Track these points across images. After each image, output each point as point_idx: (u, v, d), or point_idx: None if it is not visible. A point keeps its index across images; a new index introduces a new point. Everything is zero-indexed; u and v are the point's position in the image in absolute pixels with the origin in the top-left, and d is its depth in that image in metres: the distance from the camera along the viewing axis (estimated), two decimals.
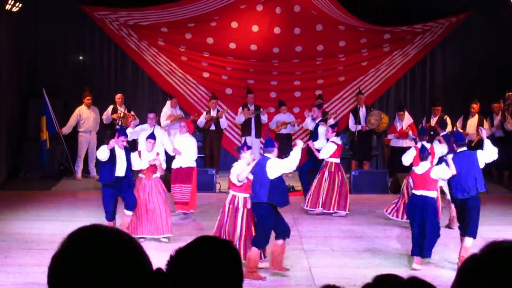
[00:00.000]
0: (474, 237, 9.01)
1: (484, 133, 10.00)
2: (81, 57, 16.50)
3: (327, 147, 12.12)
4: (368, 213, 12.47)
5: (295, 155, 8.84)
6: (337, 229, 11.32)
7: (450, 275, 8.22)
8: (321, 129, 12.99)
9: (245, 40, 15.98)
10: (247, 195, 8.97)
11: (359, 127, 15.14)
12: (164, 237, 10.21)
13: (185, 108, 15.94)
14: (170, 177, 12.01)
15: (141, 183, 10.27)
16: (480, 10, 15.87)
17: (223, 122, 15.42)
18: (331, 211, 12.12)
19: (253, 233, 8.89)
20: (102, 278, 1.73)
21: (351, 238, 10.74)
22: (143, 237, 10.06)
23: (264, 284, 8.61)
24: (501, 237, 1.82)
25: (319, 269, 9.14)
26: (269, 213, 8.67)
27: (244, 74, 16.40)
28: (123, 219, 10.25)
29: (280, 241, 8.77)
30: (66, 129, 15.07)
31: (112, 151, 10.13)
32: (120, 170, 10.21)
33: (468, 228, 9.08)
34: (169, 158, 12.20)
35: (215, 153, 15.43)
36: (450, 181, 9.35)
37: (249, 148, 9.18)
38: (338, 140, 12.30)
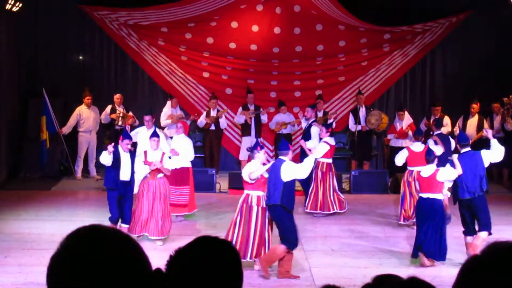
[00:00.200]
0: (490, 230, 9.22)
1: (490, 133, 10.08)
2: (81, 57, 16.50)
3: (319, 147, 12.07)
4: (368, 213, 12.47)
5: (310, 162, 8.89)
6: (337, 229, 11.32)
7: (450, 275, 8.22)
8: (314, 129, 12.97)
9: (245, 40, 15.98)
10: (260, 193, 8.97)
11: (359, 127, 15.14)
12: (159, 239, 10.14)
13: (185, 108, 15.94)
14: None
15: (146, 183, 10.21)
16: (480, 10, 15.88)
17: (223, 122, 15.42)
18: (331, 212, 12.10)
19: (267, 232, 8.89)
20: (102, 278, 1.73)
21: (351, 238, 10.74)
22: (141, 235, 10.05)
23: (264, 284, 8.61)
24: (502, 237, 1.83)
25: (319, 269, 9.14)
26: (285, 214, 8.73)
27: (244, 74, 16.40)
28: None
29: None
30: (66, 129, 15.07)
31: (117, 155, 10.05)
32: (124, 174, 10.12)
33: (486, 224, 9.26)
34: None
35: (215, 153, 15.43)
36: (455, 182, 9.39)
37: (262, 147, 9.20)
38: (331, 141, 12.29)
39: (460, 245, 9.59)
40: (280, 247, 8.66)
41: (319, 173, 12.10)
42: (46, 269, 1.79)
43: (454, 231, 9.97)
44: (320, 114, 15.16)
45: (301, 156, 13.19)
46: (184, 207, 11.59)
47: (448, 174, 9.28)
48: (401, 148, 14.02)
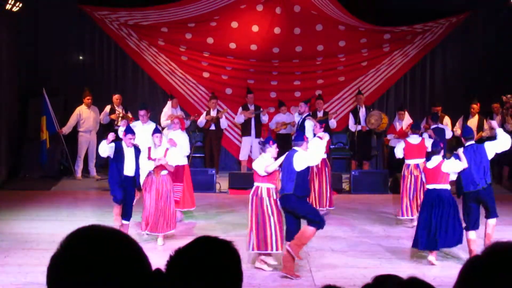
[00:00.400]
0: (497, 215, 9.57)
1: (494, 123, 10.34)
2: (81, 57, 16.51)
3: (313, 142, 12.00)
4: (368, 213, 12.47)
5: (320, 147, 8.98)
6: (337, 229, 11.31)
7: (450, 275, 8.22)
8: (308, 123, 12.97)
9: (245, 40, 15.98)
10: (270, 186, 8.97)
11: (359, 127, 15.15)
12: (163, 235, 10.15)
13: (185, 108, 15.94)
14: None
15: (150, 180, 10.17)
16: (480, 10, 15.88)
17: (223, 122, 15.42)
18: (323, 209, 12.04)
19: (282, 222, 8.91)
20: (101, 279, 1.73)
21: (351, 238, 10.73)
22: (146, 233, 10.05)
23: (263, 284, 8.61)
24: (502, 237, 1.83)
25: (319, 269, 9.14)
26: (298, 200, 8.77)
27: (244, 74, 16.40)
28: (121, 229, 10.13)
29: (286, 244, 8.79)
30: (66, 129, 15.08)
31: (119, 149, 10.02)
32: (128, 169, 10.09)
33: (490, 211, 9.52)
34: None
35: (215, 153, 15.43)
36: (460, 175, 9.48)
37: (274, 142, 9.23)
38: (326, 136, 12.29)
39: (460, 245, 9.59)
40: (309, 228, 8.71)
41: (315, 169, 12.09)
42: (46, 269, 1.79)
43: None
44: (320, 114, 15.16)
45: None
46: (176, 204, 11.54)
47: (454, 166, 9.37)
48: None
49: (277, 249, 8.91)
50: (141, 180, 10.36)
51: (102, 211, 12.12)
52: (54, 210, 12.22)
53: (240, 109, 15.53)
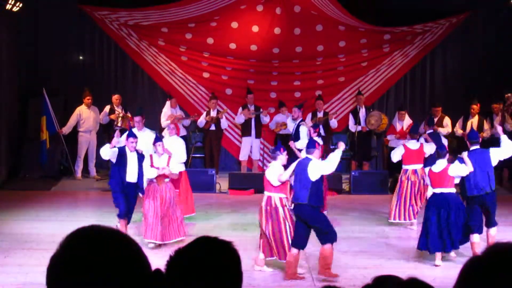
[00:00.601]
0: (496, 224, 9.64)
1: (500, 129, 10.34)
2: (81, 57, 16.50)
3: None
4: (367, 213, 12.47)
5: (336, 156, 8.84)
6: (337, 229, 11.27)
7: (450, 276, 8.21)
8: (303, 129, 12.92)
9: (245, 40, 15.98)
10: (282, 196, 8.92)
11: (359, 128, 15.14)
12: (178, 240, 10.07)
13: (185, 108, 15.94)
14: None
15: (153, 188, 10.01)
16: (480, 11, 15.88)
17: (223, 123, 15.42)
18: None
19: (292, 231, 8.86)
20: (101, 279, 1.73)
21: (351, 239, 10.72)
22: (152, 242, 9.89)
23: (263, 284, 8.61)
24: (502, 237, 1.83)
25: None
26: (314, 211, 8.67)
27: (244, 74, 16.39)
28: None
29: (295, 251, 8.74)
30: (66, 129, 15.07)
31: (122, 154, 9.82)
32: (131, 175, 9.90)
33: (490, 220, 9.58)
34: None
35: (215, 154, 15.43)
36: (463, 178, 9.53)
37: (285, 149, 9.21)
38: (319, 141, 12.27)
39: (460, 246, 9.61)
40: (325, 247, 8.60)
41: None
42: (46, 269, 1.79)
43: None
44: (320, 115, 15.16)
45: (289, 156, 13.19)
46: None
47: (460, 170, 9.40)
48: None
49: (282, 258, 8.88)
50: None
51: (102, 211, 12.12)
52: (54, 210, 12.22)
53: (240, 109, 15.53)
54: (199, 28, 16.03)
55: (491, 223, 9.63)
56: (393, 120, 15.14)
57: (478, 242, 9.39)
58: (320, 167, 8.76)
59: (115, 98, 15.14)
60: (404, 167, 11.48)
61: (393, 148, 14.65)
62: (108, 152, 9.88)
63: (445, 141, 11.96)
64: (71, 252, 1.77)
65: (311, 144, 9.05)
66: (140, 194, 10.36)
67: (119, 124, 14.62)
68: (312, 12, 15.75)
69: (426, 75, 16.79)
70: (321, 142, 12.24)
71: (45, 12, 15.67)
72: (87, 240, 1.79)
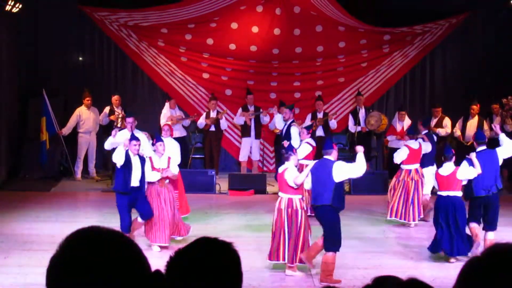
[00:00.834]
0: (495, 229, 9.64)
1: (498, 128, 10.51)
2: (81, 58, 16.50)
3: (302, 148, 11.88)
4: (367, 213, 12.47)
5: (360, 160, 8.86)
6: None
7: (449, 276, 8.22)
8: (294, 130, 12.84)
9: (245, 41, 15.98)
10: (300, 196, 8.96)
11: (358, 128, 15.15)
12: (176, 238, 10.09)
13: (185, 109, 15.95)
14: None
15: (154, 190, 9.94)
16: (480, 11, 15.88)
17: (223, 123, 15.42)
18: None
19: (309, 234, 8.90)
20: (101, 280, 1.73)
21: (350, 239, 10.70)
22: (162, 246, 9.83)
23: (263, 285, 8.60)
24: (502, 238, 1.83)
25: (319, 270, 9.13)
26: (334, 215, 8.70)
27: (244, 75, 16.39)
28: (133, 224, 9.85)
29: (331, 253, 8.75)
30: (66, 130, 15.07)
31: (127, 158, 9.65)
32: (134, 180, 9.71)
33: (492, 223, 9.60)
34: None
35: (214, 154, 15.43)
36: (470, 180, 9.57)
37: (296, 150, 9.22)
38: (312, 142, 12.27)
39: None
40: (328, 255, 8.62)
41: None
42: (46, 270, 1.79)
43: None
44: (320, 115, 15.16)
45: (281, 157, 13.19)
46: None
47: (469, 173, 9.46)
48: None
49: (299, 261, 8.87)
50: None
51: (102, 212, 12.12)
52: (54, 211, 12.21)
53: (239, 110, 15.53)
54: (198, 29, 16.03)
55: (490, 225, 9.62)
56: (393, 121, 15.14)
57: (492, 239, 9.52)
58: (347, 170, 8.78)
59: (115, 99, 15.13)
60: (406, 167, 11.51)
61: (392, 149, 14.73)
62: (122, 154, 9.66)
63: (428, 147, 11.95)
64: (71, 253, 1.77)
65: (329, 145, 9.02)
66: None
67: (118, 125, 14.61)
68: (312, 12, 15.75)
69: (426, 76, 16.80)
70: (313, 144, 12.28)
71: (45, 12, 15.67)
72: (87, 241, 1.79)
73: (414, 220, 11.43)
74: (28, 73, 15.67)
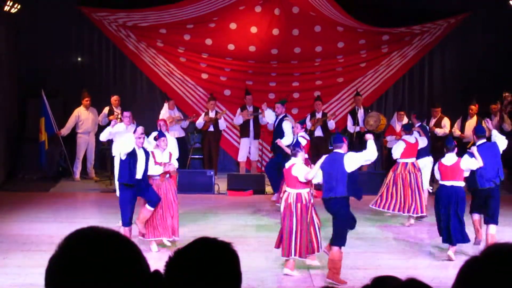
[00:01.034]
0: (497, 222, 9.74)
1: (490, 124, 10.78)
2: (79, 58, 16.50)
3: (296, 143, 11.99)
4: (366, 213, 12.46)
5: (371, 146, 8.98)
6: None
7: (449, 276, 8.22)
8: (286, 125, 12.81)
9: (243, 41, 15.97)
10: (308, 190, 9.00)
11: (357, 129, 15.15)
12: (169, 240, 10.09)
13: (184, 110, 15.94)
14: None
15: (156, 185, 9.94)
16: (478, 11, 15.89)
17: (222, 123, 15.42)
18: None
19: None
20: (100, 280, 1.73)
21: (349, 239, 10.66)
22: (152, 240, 9.85)
23: (262, 285, 8.60)
24: (501, 237, 1.83)
25: (318, 270, 9.13)
26: (347, 209, 8.80)
27: (243, 75, 16.39)
28: (143, 213, 9.76)
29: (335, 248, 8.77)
30: (65, 130, 15.06)
31: (133, 151, 9.59)
32: (138, 172, 9.68)
33: (494, 216, 9.73)
34: None
35: (213, 155, 15.42)
36: (473, 172, 9.70)
37: (303, 147, 9.27)
38: (306, 135, 12.29)
39: (458, 246, 9.63)
40: (334, 250, 8.64)
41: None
42: (45, 271, 1.79)
43: None
44: (319, 116, 15.16)
45: (274, 153, 13.20)
46: None
47: (471, 163, 9.59)
48: None
49: (319, 250, 8.95)
50: None
51: (101, 212, 12.12)
52: (53, 211, 12.21)
53: (238, 110, 15.53)
54: (197, 29, 16.03)
55: (492, 218, 9.75)
56: (391, 121, 15.14)
57: (494, 234, 9.66)
58: (358, 158, 8.82)
59: (114, 99, 15.13)
60: (403, 160, 11.63)
61: (391, 149, 14.74)
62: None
63: (424, 142, 12.02)
64: (70, 254, 1.77)
65: (339, 139, 9.04)
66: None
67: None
68: (311, 13, 15.75)
69: (424, 76, 16.81)
70: (307, 137, 12.28)
71: (44, 13, 15.65)
72: (85, 242, 1.79)
73: (420, 212, 11.45)
74: (27, 74, 15.66)
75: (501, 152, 10.03)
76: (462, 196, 9.52)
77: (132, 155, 9.62)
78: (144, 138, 9.86)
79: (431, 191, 11.82)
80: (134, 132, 9.88)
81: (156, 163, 9.93)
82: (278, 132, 12.88)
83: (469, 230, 9.76)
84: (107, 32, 16.01)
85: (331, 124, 15.15)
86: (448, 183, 9.58)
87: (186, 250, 2.08)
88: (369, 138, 9.20)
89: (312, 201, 8.99)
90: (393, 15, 15.91)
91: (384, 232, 11.29)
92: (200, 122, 15.27)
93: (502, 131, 14.72)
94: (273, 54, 16.18)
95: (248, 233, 10.99)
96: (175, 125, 14.90)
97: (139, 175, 9.68)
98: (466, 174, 9.73)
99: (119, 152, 9.83)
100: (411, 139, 11.76)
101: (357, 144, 15.11)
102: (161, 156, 10.03)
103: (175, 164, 10.20)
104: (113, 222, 10.59)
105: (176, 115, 15.14)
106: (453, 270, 8.01)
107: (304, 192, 8.93)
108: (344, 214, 8.76)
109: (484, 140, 10.01)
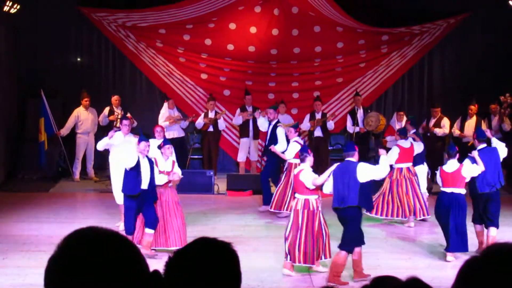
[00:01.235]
0: (497, 225, 9.75)
1: (489, 132, 10.65)
2: (79, 59, 16.50)
3: (291, 147, 11.85)
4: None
5: (384, 162, 8.92)
6: (335, 230, 11.29)
7: (449, 276, 8.22)
8: (280, 131, 12.68)
9: (243, 42, 15.97)
10: (316, 196, 8.97)
11: (357, 129, 15.14)
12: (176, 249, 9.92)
13: (183, 110, 15.94)
14: None
15: (158, 193, 9.73)
16: (478, 11, 15.89)
17: (221, 124, 15.41)
18: (285, 212, 11.88)
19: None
20: (100, 280, 1.72)
21: None
22: (154, 249, 9.64)
23: (262, 285, 8.59)
24: (501, 238, 1.83)
25: (318, 270, 9.13)
26: (359, 217, 8.74)
27: (242, 76, 16.39)
28: (144, 238, 9.55)
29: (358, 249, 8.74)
30: (64, 131, 15.06)
31: (137, 161, 9.42)
32: (144, 183, 9.45)
33: (494, 219, 9.72)
34: None
35: (213, 155, 15.42)
36: (473, 177, 9.68)
37: (312, 151, 9.29)
38: (300, 140, 12.25)
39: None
40: (341, 255, 8.60)
41: (292, 175, 11.77)
42: (44, 271, 1.79)
43: None
44: (318, 116, 15.16)
45: (267, 160, 13.14)
46: None
47: (473, 170, 9.57)
48: None
49: (330, 256, 8.91)
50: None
51: (101, 212, 12.12)
52: (52, 211, 12.20)
53: (238, 110, 15.52)
54: (197, 29, 16.02)
55: (493, 222, 9.74)
56: (391, 121, 15.14)
57: (494, 236, 9.65)
58: (371, 171, 8.78)
59: (115, 99, 15.12)
60: (398, 165, 11.57)
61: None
62: (105, 141, 9.57)
63: (420, 147, 11.97)
64: (69, 254, 1.77)
65: (351, 147, 9.01)
66: None
67: (118, 125, 14.60)
68: (310, 13, 15.75)
69: (424, 76, 16.81)
70: (302, 142, 12.25)
71: (43, 13, 15.65)
72: (85, 242, 1.79)
73: (427, 215, 11.46)
74: (27, 74, 15.66)
75: (501, 159, 10.02)
76: (463, 204, 9.46)
77: (136, 166, 9.45)
78: (148, 146, 9.62)
79: (427, 196, 11.86)
80: (139, 143, 9.58)
81: (160, 172, 9.75)
82: (272, 138, 12.75)
83: (470, 238, 9.71)
84: (106, 33, 16.01)
85: (330, 125, 15.14)
86: (448, 189, 9.52)
87: (185, 250, 2.08)
88: (383, 153, 9.10)
89: (320, 208, 8.95)
90: (392, 15, 15.91)
91: (384, 232, 11.29)
92: (199, 122, 15.27)
93: (501, 131, 14.78)
94: (273, 54, 16.18)
95: (248, 233, 10.98)
96: (174, 125, 14.89)
97: (144, 185, 9.46)
98: (467, 179, 9.71)
99: (115, 162, 9.71)
100: (405, 143, 11.67)
101: (357, 144, 15.11)
102: (164, 164, 9.89)
103: (179, 172, 10.03)
104: (112, 223, 10.60)
105: (175, 115, 15.13)
106: (453, 270, 8.00)
107: (312, 198, 8.92)
108: (356, 224, 8.69)
109: (484, 145, 10.00)
